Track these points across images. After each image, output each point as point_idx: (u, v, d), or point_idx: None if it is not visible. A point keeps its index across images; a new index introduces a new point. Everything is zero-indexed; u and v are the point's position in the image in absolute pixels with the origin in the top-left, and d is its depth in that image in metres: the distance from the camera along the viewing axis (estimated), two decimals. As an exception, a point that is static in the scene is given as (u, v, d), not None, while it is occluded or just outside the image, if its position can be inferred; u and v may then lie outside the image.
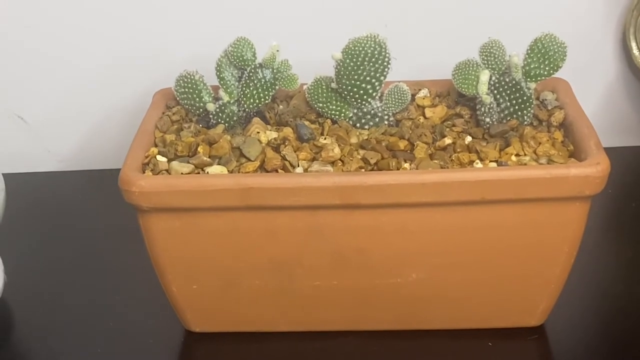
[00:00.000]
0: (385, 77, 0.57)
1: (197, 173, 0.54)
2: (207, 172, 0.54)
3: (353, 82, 0.57)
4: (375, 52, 0.56)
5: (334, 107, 0.59)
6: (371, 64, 0.56)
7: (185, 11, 0.76)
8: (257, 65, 0.59)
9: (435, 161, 0.54)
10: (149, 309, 0.61)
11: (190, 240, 0.55)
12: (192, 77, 0.60)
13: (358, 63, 0.56)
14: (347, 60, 0.56)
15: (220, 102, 0.59)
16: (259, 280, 0.56)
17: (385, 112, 0.59)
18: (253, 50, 0.59)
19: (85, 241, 0.70)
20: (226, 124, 0.59)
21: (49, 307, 0.63)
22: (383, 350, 0.58)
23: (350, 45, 0.56)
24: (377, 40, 0.56)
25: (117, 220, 0.73)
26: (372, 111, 0.58)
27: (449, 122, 0.59)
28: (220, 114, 0.59)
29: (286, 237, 0.54)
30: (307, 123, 0.58)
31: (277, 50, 0.58)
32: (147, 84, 0.80)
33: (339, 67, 0.57)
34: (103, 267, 0.67)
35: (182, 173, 0.54)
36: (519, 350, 0.58)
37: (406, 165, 0.54)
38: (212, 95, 0.60)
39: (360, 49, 0.56)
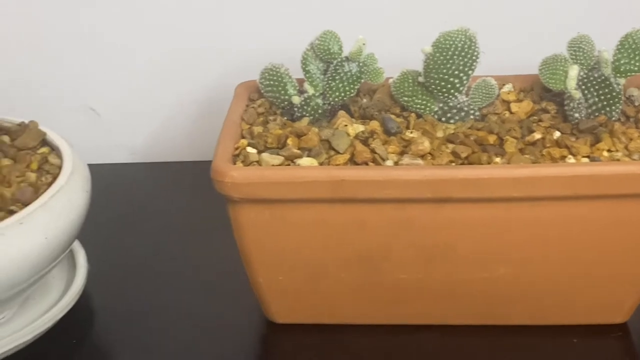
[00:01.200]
0: (473, 71, 0.57)
1: (287, 165, 0.55)
2: (298, 164, 0.54)
3: (441, 75, 0.57)
4: (465, 46, 0.56)
5: (420, 101, 0.59)
6: (460, 57, 0.56)
7: (258, 3, 0.77)
8: (344, 59, 0.59)
9: (527, 156, 0.54)
10: (232, 300, 0.62)
11: (279, 231, 0.55)
12: (278, 70, 0.60)
13: (447, 57, 0.56)
14: (437, 54, 0.56)
15: (305, 95, 0.60)
16: (345, 272, 0.56)
17: (471, 107, 0.58)
18: (339, 43, 0.59)
19: (162, 232, 0.71)
20: (311, 117, 0.60)
21: (131, 297, 0.63)
22: (466, 345, 0.58)
23: (441, 39, 0.56)
24: (467, 34, 0.56)
25: (192, 211, 0.74)
26: (458, 105, 0.58)
27: (534, 117, 0.59)
28: (305, 107, 0.59)
29: (374, 230, 0.54)
30: (392, 117, 0.58)
31: (364, 44, 0.59)
32: (217, 77, 0.81)
33: (428, 60, 0.57)
34: (181, 257, 0.67)
35: (272, 165, 0.54)
36: (603, 347, 0.57)
37: (497, 159, 0.54)
38: (297, 88, 0.60)
39: (451, 42, 0.56)
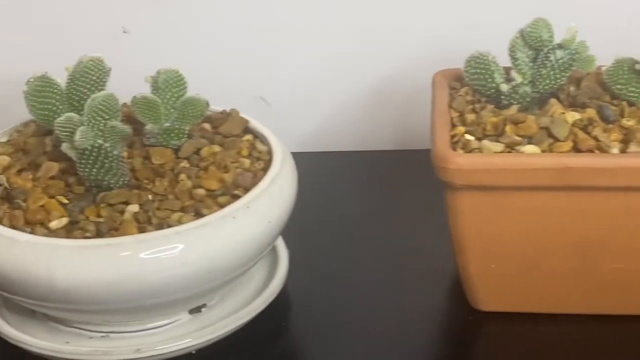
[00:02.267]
0: (693, 58, 0.56)
1: (508, 152, 0.55)
2: (521, 151, 0.54)
3: (662, 63, 0.56)
4: (690, 33, 0.55)
5: (634, 88, 0.58)
6: (683, 44, 0.55)
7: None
8: (555, 46, 0.59)
9: None
10: (435, 287, 0.62)
11: (497, 218, 0.55)
12: (485, 57, 0.60)
13: (671, 44, 0.55)
14: (661, 41, 0.56)
15: (513, 82, 0.60)
16: (560, 261, 0.56)
17: (689, 95, 0.58)
18: (551, 31, 0.59)
19: (352, 221, 0.71)
20: (520, 105, 0.59)
21: (330, 285, 0.64)
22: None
23: (665, 26, 0.55)
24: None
25: (372, 200, 0.75)
26: (674, 93, 0.57)
27: None
28: (513, 95, 0.59)
29: (596, 219, 0.54)
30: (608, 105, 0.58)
31: (576, 31, 0.58)
32: (381, 69, 0.82)
33: (650, 47, 0.56)
34: (377, 247, 0.68)
35: (494, 152, 0.54)
36: None
37: None
38: (504, 75, 0.60)
39: (676, 29, 0.55)
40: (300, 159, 0.83)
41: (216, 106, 0.65)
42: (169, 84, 0.60)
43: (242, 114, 0.65)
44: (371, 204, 0.74)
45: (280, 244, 0.64)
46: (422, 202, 0.70)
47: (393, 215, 0.72)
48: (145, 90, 0.60)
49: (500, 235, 0.56)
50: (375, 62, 0.81)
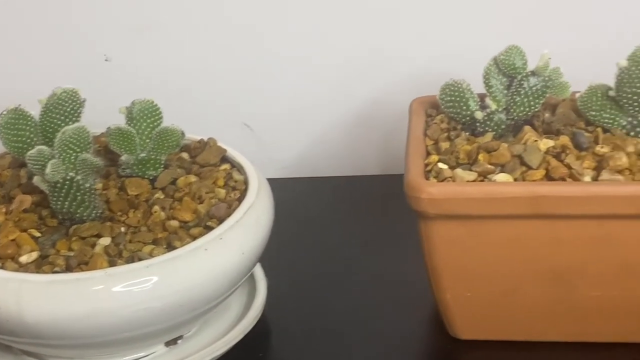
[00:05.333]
0: (666, 84, 0.56)
1: (480, 180, 0.55)
2: (494, 180, 0.54)
3: (635, 89, 0.56)
4: (662, 59, 0.55)
5: (608, 115, 0.58)
6: (656, 71, 0.55)
7: (416, 21, 0.77)
8: (528, 73, 0.59)
9: None
10: (412, 316, 0.62)
11: (472, 247, 0.55)
12: (460, 85, 0.60)
13: (643, 70, 0.55)
14: (633, 67, 0.55)
15: (488, 110, 0.60)
16: (537, 289, 0.56)
17: (662, 121, 0.58)
18: (524, 58, 0.59)
19: (333, 248, 0.71)
20: (494, 132, 0.59)
21: (309, 313, 0.64)
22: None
23: (637, 52, 0.55)
24: (664, 47, 0.55)
25: (358, 225, 0.75)
26: (648, 119, 0.57)
27: None
28: (488, 122, 0.59)
29: (571, 246, 0.54)
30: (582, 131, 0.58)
31: (549, 58, 0.58)
32: (369, 94, 0.82)
33: (622, 74, 0.56)
34: (355, 273, 0.68)
35: (467, 180, 0.54)
36: None
37: (700, 174, 0.53)
38: (479, 103, 0.60)
39: (647, 56, 0.55)
40: (284, 185, 0.84)
41: (199, 133, 0.66)
42: (144, 114, 0.60)
43: (220, 143, 0.65)
44: (353, 230, 0.74)
45: (259, 273, 0.64)
46: (404, 228, 0.69)
47: (374, 241, 0.72)
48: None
49: (475, 264, 0.55)
50: (359, 87, 0.81)
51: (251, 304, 0.61)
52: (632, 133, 0.58)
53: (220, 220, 0.56)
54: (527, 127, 0.59)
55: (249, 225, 0.56)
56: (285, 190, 0.81)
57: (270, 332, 0.62)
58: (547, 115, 0.61)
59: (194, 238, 0.54)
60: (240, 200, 0.58)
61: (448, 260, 0.56)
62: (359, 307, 0.64)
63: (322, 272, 0.68)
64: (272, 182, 0.82)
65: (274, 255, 0.69)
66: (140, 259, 0.52)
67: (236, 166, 0.63)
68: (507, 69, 0.59)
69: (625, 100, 0.57)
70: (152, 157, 0.60)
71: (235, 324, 0.60)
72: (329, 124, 0.83)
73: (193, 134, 0.65)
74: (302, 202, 0.78)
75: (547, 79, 0.59)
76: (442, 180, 0.55)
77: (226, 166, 0.63)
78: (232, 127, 0.83)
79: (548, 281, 0.55)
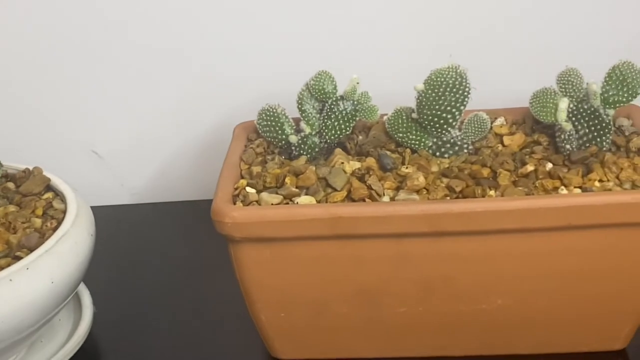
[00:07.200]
0: (465, 106, 0.58)
1: (286, 203, 0.56)
2: (297, 203, 0.55)
3: (434, 111, 0.58)
4: (457, 83, 0.57)
5: (414, 136, 0.60)
6: (452, 94, 0.57)
7: (256, 48, 0.79)
8: (338, 98, 0.61)
9: (520, 188, 0.55)
10: (236, 339, 0.63)
11: (279, 269, 0.56)
12: (275, 110, 0.62)
13: (439, 93, 0.57)
14: (429, 91, 0.57)
15: (302, 134, 0.61)
16: (346, 307, 0.57)
17: (465, 141, 0.60)
18: (334, 83, 0.61)
19: (165, 273, 0.72)
20: (308, 155, 0.61)
21: (136, 338, 0.64)
22: (469, 375, 0.59)
23: (432, 76, 0.57)
24: (457, 70, 0.57)
25: (195, 250, 0.75)
26: (452, 140, 0.59)
27: (527, 150, 0.60)
28: (302, 146, 0.61)
29: (373, 265, 0.55)
30: (388, 153, 0.59)
31: (358, 83, 0.60)
32: (217, 119, 0.83)
33: (420, 97, 0.58)
34: (185, 296, 0.69)
35: (272, 204, 0.55)
36: (603, 374, 0.59)
37: (491, 192, 0.55)
38: (294, 127, 0.62)
39: (442, 79, 0.57)
40: (130, 210, 0.84)
41: (43, 161, 0.66)
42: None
43: (47, 173, 0.65)
44: (195, 254, 0.75)
45: (86, 297, 0.65)
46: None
47: (205, 264, 0.73)
48: None
49: (284, 285, 0.57)
50: (209, 114, 0.82)
51: (76, 328, 0.62)
52: (437, 153, 0.60)
53: (31, 250, 0.56)
54: (337, 150, 0.60)
55: (62, 254, 0.56)
56: (129, 217, 0.82)
57: (100, 354, 0.63)
58: (360, 137, 0.63)
59: (1, 269, 0.54)
60: (56, 229, 0.58)
61: (259, 282, 0.57)
62: (184, 332, 0.64)
63: (151, 299, 0.69)
64: (122, 207, 0.83)
65: (108, 281, 0.70)
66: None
67: (59, 195, 0.63)
68: (318, 93, 0.61)
69: (426, 122, 0.59)
70: (-29, 188, 0.60)
71: (61, 347, 0.60)
72: (177, 150, 0.83)
73: (19, 165, 0.66)
74: (143, 228, 0.79)
75: (356, 102, 0.61)
76: (248, 204, 0.56)
77: (49, 195, 0.63)
78: (79, 155, 0.83)
79: (356, 300, 0.57)
